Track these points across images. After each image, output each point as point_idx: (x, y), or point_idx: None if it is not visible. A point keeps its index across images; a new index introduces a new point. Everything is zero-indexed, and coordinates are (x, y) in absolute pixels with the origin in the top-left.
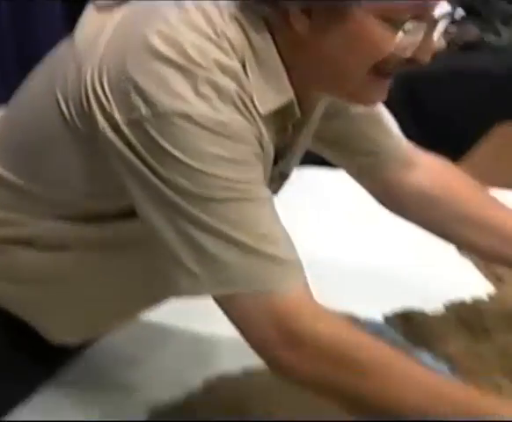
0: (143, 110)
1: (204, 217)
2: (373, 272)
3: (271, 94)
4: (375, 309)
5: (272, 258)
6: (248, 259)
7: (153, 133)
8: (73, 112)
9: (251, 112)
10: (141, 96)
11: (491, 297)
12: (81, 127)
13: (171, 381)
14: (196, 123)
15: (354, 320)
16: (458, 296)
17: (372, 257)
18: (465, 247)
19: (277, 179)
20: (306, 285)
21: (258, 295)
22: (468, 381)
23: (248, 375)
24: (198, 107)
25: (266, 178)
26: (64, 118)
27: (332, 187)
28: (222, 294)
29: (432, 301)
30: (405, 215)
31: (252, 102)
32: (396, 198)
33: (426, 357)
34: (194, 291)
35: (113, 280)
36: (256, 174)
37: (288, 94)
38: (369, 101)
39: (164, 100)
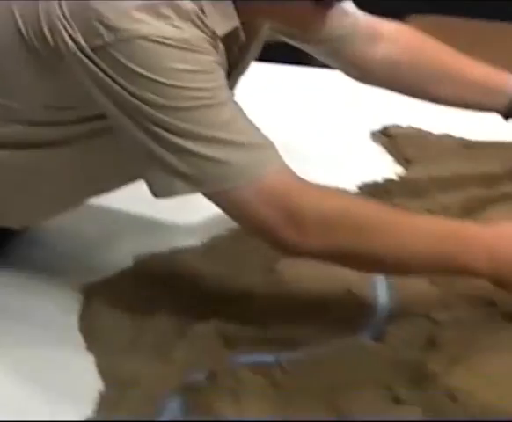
0: (106, 36)
1: (181, 124)
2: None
3: (221, 19)
4: None
5: (252, 146)
6: (232, 152)
7: (119, 56)
8: (31, 33)
9: (208, 29)
10: (102, 23)
11: (400, 177)
12: (39, 48)
13: (103, 260)
14: (159, 42)
15: None
16: (371, 178)
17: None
18: (440, 102)
19: None
20: (286, 164)
21: (251, 183)
22: None
23: (176, 253)
24: (159, 28)
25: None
26: (22, 37)
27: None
28: (216, 190)
29: (347, 183)
30: (379, 85)
31: (207, 22)
32: (367, 72)
33: None
34: (190, 191)
35: (74, 172)
36: (219, 80)
37: (234, 21)
38: (310, 28)
39: (126, 25)
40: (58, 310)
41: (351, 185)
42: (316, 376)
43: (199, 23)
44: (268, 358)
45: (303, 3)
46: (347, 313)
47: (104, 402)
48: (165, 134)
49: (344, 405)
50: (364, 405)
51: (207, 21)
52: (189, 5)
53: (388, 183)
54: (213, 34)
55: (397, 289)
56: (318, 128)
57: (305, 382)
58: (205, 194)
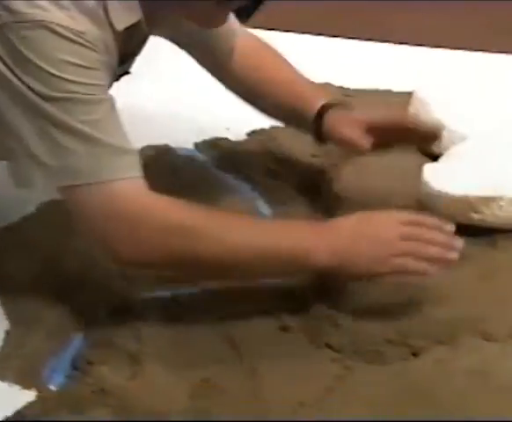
0: (5, 17)
1: (57, 115)
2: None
3: (124, 14)
4: (188, 139)
5: (115, 150)
6: (93, 149)
7: (14, 40)
8: None
9: (104, 26)
10: (2, 3)
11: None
12: None
13: (8, 208)
14: (55, 32)
15: None
16: (259, 126)
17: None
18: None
19: (119, 77)
20: (142, 177)
21: (103, 185)
22: (267, 197)
23: None
24: (57, 16)
25: (110, 80)
26: None
27: None
28: (70, 184)
29: (236, 131)
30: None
31: (108, 18)
32: (225, 82)
33: (233, 181)
34: (47, 182)
35: None
36: (101, 80)
37: (137, 15)
38: (211, 26)
39: (25, 9)
40: None
41: (240, 132)
42: (209, 309)
43: (98, 20)
44: (165, 293)
45: (206, 3)
46: None
47: (9, 339)
48: (40, 120)
49: (235, 334)
50: (253, 333)
51: (108, 18)
52: (91, 3)
53: (274, 130)
54: (113, 31)
55: None
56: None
57: (200, 315)
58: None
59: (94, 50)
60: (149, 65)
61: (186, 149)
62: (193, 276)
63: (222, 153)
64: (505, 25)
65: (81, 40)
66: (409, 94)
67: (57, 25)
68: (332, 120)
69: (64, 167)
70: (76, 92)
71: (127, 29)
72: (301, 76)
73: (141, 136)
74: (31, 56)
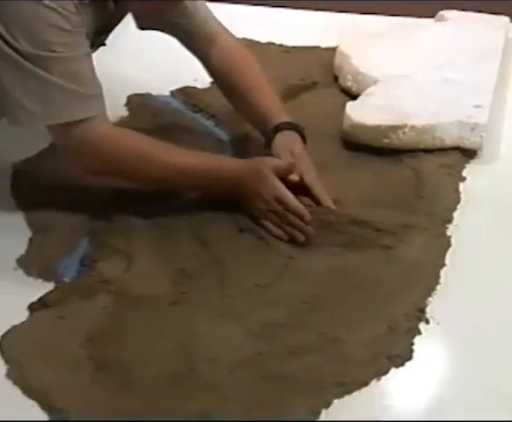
0: None
1: (38, 71)
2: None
3: None
4: (165, 88)
5: (84, 96)
6: (67, 96)
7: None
8: None
9: None
10: None
11: None
12: None
13: (26, 143)
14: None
15: None
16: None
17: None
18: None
19: (96, 48)
20: (105, 115)
21: (74, 123)
22: (226, 129)
23: None
24: None
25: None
26: None
27: None
28: (51, 123)
29: (202, 81)
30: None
31: None
32: (206, 66)
33: (201, 120)
34: (32, 123)
35: None
36: (78, 38)
37: None
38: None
39: None
40: None
41: (206, 82)
42: (184, 216)
43: None
44: (150, 207)
45: None
46: None
47: (32, 244)
48: (23, 75)
49: (205, 234)
50: (218, 233)
51: None
52: None
53: None
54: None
55: None
56: None
57: (177, 222)
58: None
59: (69, 12)
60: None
61: (164, 96)
62: (143, 186)
63: (192, 98)
64: None
65: (58, 9)
66: (334, 49)
67: None
68: (280, 142)
69: (45, 111)
70: (55, 51)
71: (94, 3)
72: (268, 88)
73: (127, 87)
74: (18, 22)
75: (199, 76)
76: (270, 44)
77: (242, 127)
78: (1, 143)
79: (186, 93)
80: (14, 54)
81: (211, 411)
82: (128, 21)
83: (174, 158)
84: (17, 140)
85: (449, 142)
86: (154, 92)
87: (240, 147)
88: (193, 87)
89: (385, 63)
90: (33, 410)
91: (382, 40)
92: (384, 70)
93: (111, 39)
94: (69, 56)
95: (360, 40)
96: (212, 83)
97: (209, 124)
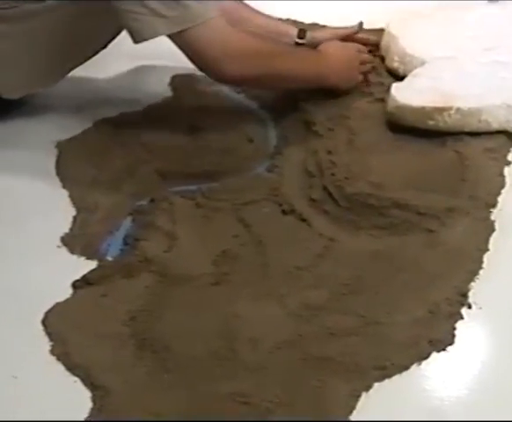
0: None
1: None
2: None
3: None
4: None
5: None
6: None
7: None
8: None
9: None
10: None
11: None
12: None
13: (71, 123)
14: None
15: None
16: None
17: None
18: None
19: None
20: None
21: (203, 24)
22: (269, 109)
23: (124, 116)
24: None
25: None
26: None
27: None
28: (185, 28)
29: None
30: None
31: None
32: None
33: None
34: (171, 29)
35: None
36: None
37: None
38: None
39: None
40: (38, 160)
41: None
42: (227, 199)
43: None
44: (193, 187)
45: None
46: (249, 155)
47: (76, 223)
48: None
49: (247, 216)
50: (259, 216)
51: None
52: None
53: None
54: None
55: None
56: None
57: (219, 203)
58: (171, 37)
59: None
60: None
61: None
62: (271, 86)
63: None
64: None
65: None
66: (381, 30)
67: None
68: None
69: (179, 16)
70: None
71: None
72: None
73: (171, 66)
74: None
75: None
76: (313, 25)
77: (285, 108)
78: (46, 122)
79: None
80: None
81: (251, 392)
82: None
83: (282, 45)
84: (61, 119)
85: (495, 126)
86: (198, 72)
87: (284, 128)
88: None
89: (433, 45)
90: (76, 386)
91: (430, 21)
92: (432, 52)
93: None
94: None
95: (408, 21)
96: None
97: (252, 104)
